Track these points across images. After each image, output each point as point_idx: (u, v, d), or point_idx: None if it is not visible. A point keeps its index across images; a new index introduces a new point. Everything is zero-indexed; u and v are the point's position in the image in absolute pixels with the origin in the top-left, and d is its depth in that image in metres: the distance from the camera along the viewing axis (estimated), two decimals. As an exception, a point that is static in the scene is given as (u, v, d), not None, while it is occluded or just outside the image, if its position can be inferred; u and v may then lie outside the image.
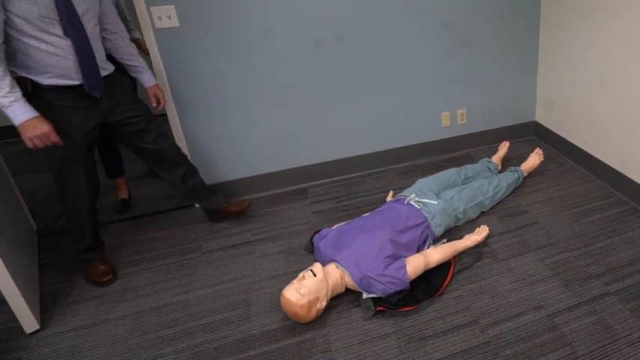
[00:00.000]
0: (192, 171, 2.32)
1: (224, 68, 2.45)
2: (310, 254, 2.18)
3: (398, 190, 2.63)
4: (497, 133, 3.13)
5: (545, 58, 2.93)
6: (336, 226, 2.14)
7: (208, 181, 2.68)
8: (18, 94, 1.63)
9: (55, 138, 1.72)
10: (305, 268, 1.88)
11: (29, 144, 1.69)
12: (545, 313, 1.73)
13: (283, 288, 1.86)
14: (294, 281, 1.74)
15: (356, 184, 2.82)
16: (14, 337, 1.84)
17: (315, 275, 1.74)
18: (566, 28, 2.66)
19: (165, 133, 2.18)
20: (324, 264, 1.88)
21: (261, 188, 2.81)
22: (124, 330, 1.84)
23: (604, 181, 2.58)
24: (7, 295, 1.74)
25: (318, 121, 2.74)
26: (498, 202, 2.44)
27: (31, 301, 1.86)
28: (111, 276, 2.10)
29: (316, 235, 2.09)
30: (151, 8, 2.24)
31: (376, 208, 2.26)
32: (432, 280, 1.89)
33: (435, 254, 1.93)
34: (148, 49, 2.36)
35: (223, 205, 2.46)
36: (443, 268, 1.95)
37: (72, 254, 2.30)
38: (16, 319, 1.89)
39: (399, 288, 1.79)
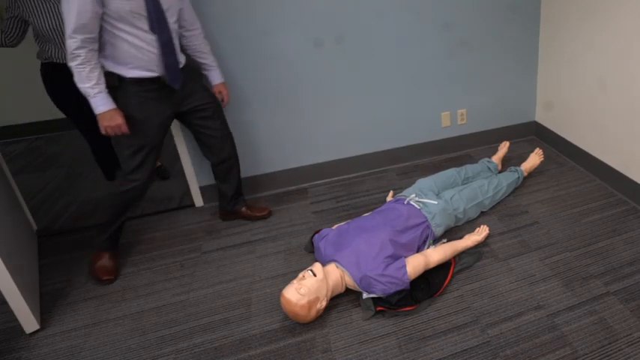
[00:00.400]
0: (236, 167, 2.39)
1: (223, 69, 2.44)
2: (310, 254, 2.18)
3: (398, 190, 2.63)
4: (497, 133, 3.13)
5: (545, 58, 2.93)
6: (336, 226, 2.14)
7: (207, 182, 2.69)
8: (102, 86, 1.80)
9: (124, 129, 1.88)
10: (305, 268, 1.88)
11: (103, 131, 1.86)
12: (546, 313, 1.73)
13: (283, 288, 1.86)
14: (294, 281, 1.74)
15: (356, 184, 2.82)
16: (14, 337, 1.84)
17: (315, 275, 1.74)
18: (566, 27, 2.66)
19: (227, 125, 2.29)
20: (324, 264, 1.88)
21: (261, 188, 2.81)
22: (124, 330, 1.84)
23: (604, 181, 2.58)
24: (7, 295, 1.74)
25: (318, 121, 2.74)
26: (498, 202, 2.44)
27: (31, 301, 1.86)
28: (112, 277, 2.11)
29: (316, 235, 2.09)
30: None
31: (376, 208, 2.26)
32: (432, 280, 1.89)
33: (435, 254, 1.93)
34: None
35: (242, 209, 2.50)
36: (443, 268, 1.95)
37: (95, 238, 2.24)
38: (16, 319, 1.89)
39: (399, 288, 1.79)
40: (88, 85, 1.76)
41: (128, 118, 1.90)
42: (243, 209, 2.50)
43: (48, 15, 2.16)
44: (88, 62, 1.74)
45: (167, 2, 1.88)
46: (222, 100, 2.30)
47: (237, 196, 2.47)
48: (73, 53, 1.71)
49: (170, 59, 1.93)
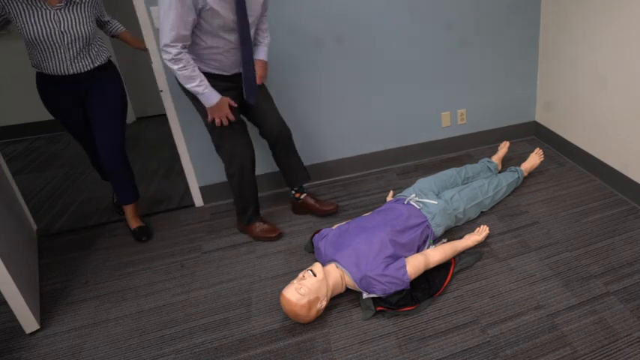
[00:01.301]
0: (284, 150, 2.38)
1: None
2: (310, 254, 2.18)
3: (398, 190, 2.63)
4: (497, 133, 3.13)
5: (545, 58, 2.93)
6: (336, 226, 2.14)
7: (207, 182, 2.69)
8: (205, 81, 1.93)
9: (231, 117, 2.03)
10: (305, 268, 1.88)
11: (210, 120, 2.02)
12: (545, 313, 1.73)
13: (283, 288, 1.86)
14: (294, 281, 1.74)
15: (356, 184, 2.82)
16: (14, 337, 1.84)
17: (315, 275, 1.74)
18: (566, 27, 2.66)
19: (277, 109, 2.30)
20: (324, 264, 1.88)
21: (262, 188, 2.80)
22: (124, 330, 1.84)
23: (604, 181, 2.58)
24: (7, 295, 1.74)
25: (318, 121, 2.74)
26: (498, 202, 2.44)
27: (31, 301, 1.86)
28: (278, 232, 2.31)
29: (316, 235, 2.09)
30: (151, 8, 2.24)
31: (376, 208, 2.26)
32: (433, 279, 1.89)
33: (435, 254, 1.93)
34: (140, 43, 2.36)
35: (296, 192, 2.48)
36: (443, 268, 1.95)
37: (238, 219, 2.38)
38: (16, 319, 1.90)
39: (399, 288, 1.79)
40: (194, 84, 1.90)
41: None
42: (305, 196, 2.48)
43: (37, 23, 1.97)
44: (189, 63, 1.86)
45: (253, 15, 1.95)
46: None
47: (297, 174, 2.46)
48: (175, 58, 1.83)
49: (249, 74, 2.04)
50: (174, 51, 1.81)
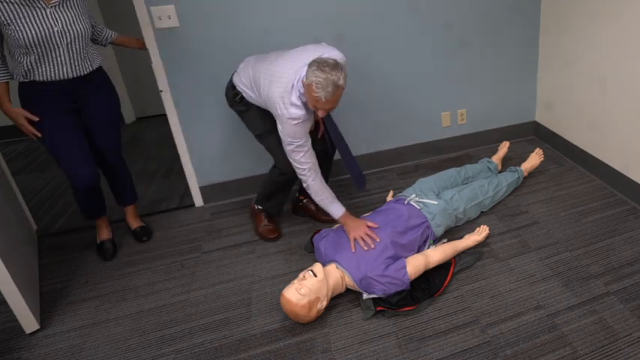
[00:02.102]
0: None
1: (223, 68, 2.44)
2: (310, 254, 2.18)
3: (398, 190, 2.62)
4: (497, 133, 3.13)
5: (546, 58, 2.93)
6: (336, 226, 2.13)
7: (207, 182, 2.69)
8: (333, 194, 2.02)
9: (373, 238, 1.92)
10: (305, 268, 1.88)
11: (351, 239, 1.93)
12: (545, 313, 1.73)
13: (283, 288, 1.86)
14: (295, 281, 1.74)
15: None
16: (14, 337, 1.84)
17: (315, 275, 1.74)
18: (566, 27, 2.66)
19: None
20: (324, 264, 1.88)
21: (261, 188, 2.81)
22: (124, 330, 1.84)
23: (604, 181, 2.58)
24: (7, 295, 1.74)
25: (318, 121, 2.74)
26: (498, 202, 2.44)
27: (31, 301, 1.86)
28: (276, 235, 2.33)
29: (316, 235, 2.09)
30: (151, 8, 2.24)
31: (376, 208, 2.26)
32: (433, 280, 1.89)
33: (436, 254, 1.93)
34: (139, 43, 2.34)
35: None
36: (443, 268, 1.95)
37: (257, 199, 2.38)
38: (16, 319, 1.89)
39: (399, 288, 1.79)
40: (323, 195, 1.99)
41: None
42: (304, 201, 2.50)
43: (34, 24, 1.79)
44: (317, 176, 1.96)
45: None
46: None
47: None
48: (307, 172, 1.94)
49: (354, 167, 2.16)
50: (308, 166, 1.92)
